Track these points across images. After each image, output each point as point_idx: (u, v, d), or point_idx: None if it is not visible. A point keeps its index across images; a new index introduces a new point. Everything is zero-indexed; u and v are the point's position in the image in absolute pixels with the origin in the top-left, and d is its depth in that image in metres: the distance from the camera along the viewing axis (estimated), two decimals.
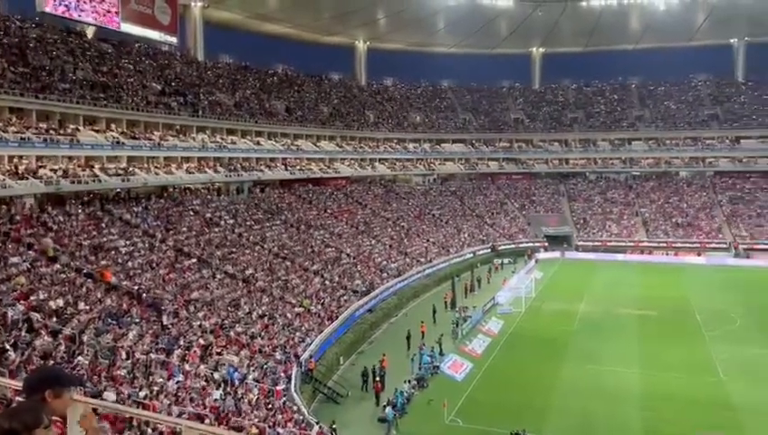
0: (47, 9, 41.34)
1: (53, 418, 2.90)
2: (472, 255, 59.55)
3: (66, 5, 42.44)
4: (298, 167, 57.33)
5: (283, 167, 55.66)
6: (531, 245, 66.38)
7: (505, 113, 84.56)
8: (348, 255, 46.66)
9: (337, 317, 35.13)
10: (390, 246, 53.12)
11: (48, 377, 3.06)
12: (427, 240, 58.53)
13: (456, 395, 27.06)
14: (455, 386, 28.52)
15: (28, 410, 2.56)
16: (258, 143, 54.03)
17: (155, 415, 8.58)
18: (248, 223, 43.99)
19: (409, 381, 28.01)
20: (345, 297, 38.84)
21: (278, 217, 47.85)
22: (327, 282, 40.08)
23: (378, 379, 27.96)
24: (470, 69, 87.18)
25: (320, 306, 35.74)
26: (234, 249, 38.11)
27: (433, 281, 50.40)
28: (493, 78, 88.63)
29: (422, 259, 53.35)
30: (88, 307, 23.44)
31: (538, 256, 63.16)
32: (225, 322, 28.28)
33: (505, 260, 61.03)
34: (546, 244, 67.43)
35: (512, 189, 77.86)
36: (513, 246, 65.51)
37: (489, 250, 62.90)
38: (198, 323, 26.76)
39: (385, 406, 25.05)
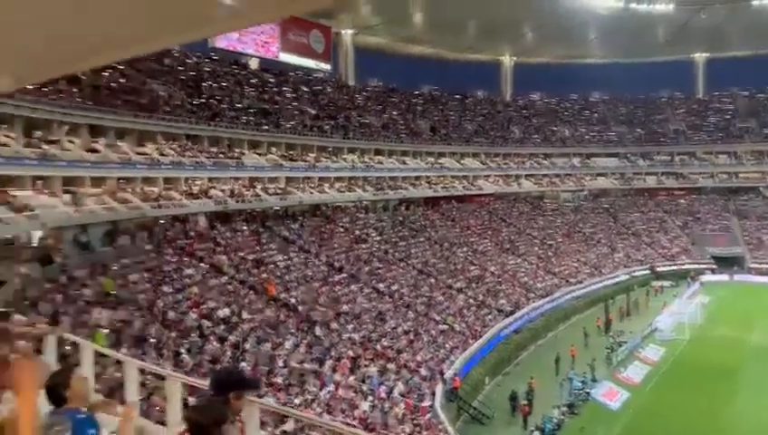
0: (218, 45, 45.87)
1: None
2: (627, 276, 55.88)
3: (232, 40, 46.74)
4: (441, 184, 57.81)
5: (427, 185, 56.45)
6: (695, 266, 60.88)
7: (664, 124, 78.89)
8: (492, 273, 46.03)
9: (481, 336, 34.72)
10: (537, 265, 51.57)
11: (235, 380, 3.42)
12: (578, 260, 56.01)
13: (612, 425, 25.48)
14: (609, 415, 26.87)
15: (217, 408, 2.88)
16: (404, 162, 55.38)
17: (319, 419, 9.04)
18: (394, 240, 45.08)
19: (559, 407, 26.87)
20: (489, 316, 38.30)
21: (422, 235, 48.51)
22: (471, 300, 39.81)
23: (526, 401, 27.15)
24: (623, 79, 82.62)
25: (464, 324, 35.57)
26: (380, 265, 39.23)
27: (584, 303, 48.01)
28: (649, 88, 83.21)
29: (572, 280, 51.13)
30: (250, 316, 25.34)
31: (703, 278, 57.79)
32: (372, 335, 29.12)
33: (666, 283, 56.43)
34: (714, 266, 61.48)
35: (672, 206, 72.16)
36: (674, 267, 60.53)
37: (647, 272, 58.67)
38: (348, 335, 27.82)
39: (533, 431, 24.24)
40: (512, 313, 39.86)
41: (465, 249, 48.68)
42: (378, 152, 53.59)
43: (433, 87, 73.37)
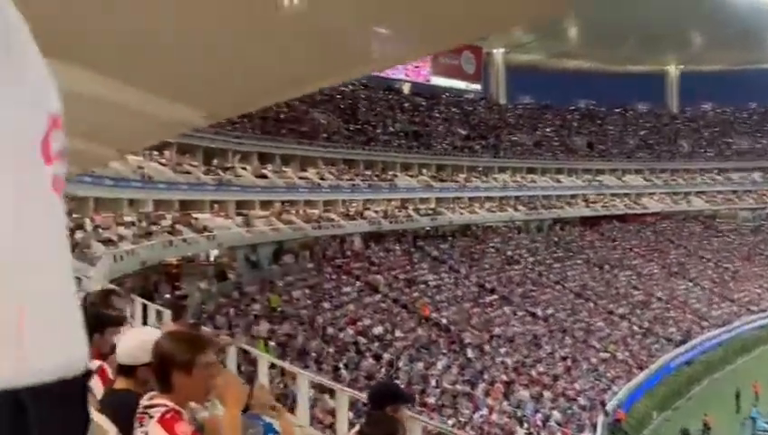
0: (372, 72, 47.89)
1: None
2: None
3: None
4: (600, 203, 54.86)
5: (583, 203, 53.93)
6: None
7: None
8: (659, 298, 42.59)
9: (647, 366, 32.17)
10: (712, 290, 46.84)
11: (391, 393, 3.49)
12: (761, 285, 50.03)
13: None
14: None
15: (387, 422, 2.96)
16: (558, 181, 53.46)
17: None
18: (548, 261, 43.50)
19: None
20: (656, 345, 35.40)
21: (579, 256, 46.30)
22: (635, 327, 37.10)
23: None
24: None
25: (627, 353, 33.21)
26: (534, 287, 38.03)
27: None
28: None
29: (753, 307, 45.74)
30: (403, 335, 25.77)
31: None
32: (527, 360, 28.21)
33: None
34: None
35: None
36: None
37: None
38: (500, 359, 27.22)
39: None
40: (682, 342, 36.51)
41: (627, 272, 45.62)
42: (530, 171, 52.29)
43: (589, 102, 70.30)
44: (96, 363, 2.86)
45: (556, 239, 48.57)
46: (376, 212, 38.30)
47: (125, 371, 2.60)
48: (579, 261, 45.31)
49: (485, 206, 46.42)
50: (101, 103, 4.28)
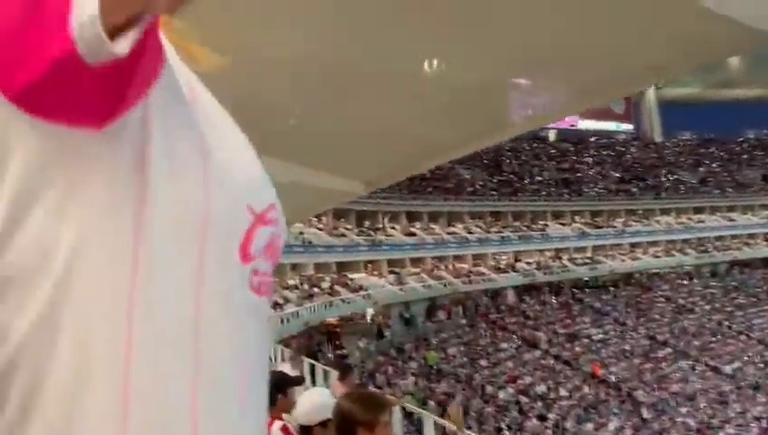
0: None
1: None
2: None
3: None
4: None
5: (764, 243, 48.23)
6: None
7: None
8: None
9: None
10: None
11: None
12: None
13: None
14: None
15: None
16: (730, 219, 48.52)
17: None
18: (728, 309, 39.14)
19: None
20: None
21: (766, 302, 41.15)
22: None
23: None
24: None
25: None
26: (713, 338, 34.29)
27: None
28: None
29: None
30: (568, 393, 24.31)
31: None
32: (713, 421, 25.22)
33: None
34: None
35: None
36: None
37: None
38: (681, 419, 24.61)
39: None
40: None
41: None
42: (697, 211, 48.06)
43: (760, 131, 63.83)
44: (279, 424, 3.03)
45: (735, 284, 43.70)
46: (528, 264, 37.21)
47: (304, 431, 2.76)
48: (766, 307, 40.26)
49: (649, 251, 43.23)
50: (274, 181, 4.64)
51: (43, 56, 0.39)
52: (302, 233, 27.46)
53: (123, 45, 0.39)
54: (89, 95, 0.42)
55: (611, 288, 39.43)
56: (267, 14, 2.47)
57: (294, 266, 27.27)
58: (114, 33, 0.38)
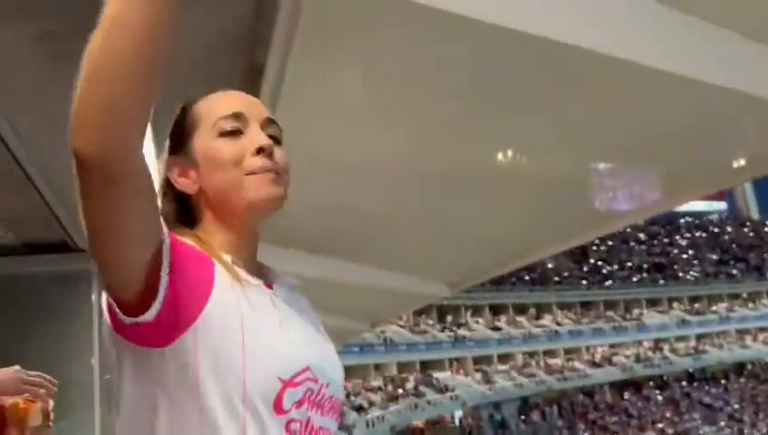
0: None
1: None
2: None
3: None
4: None
5: None
6: None
7: None
8: None
9: None
10: None
11: None
12: None
13: None
14: None
15: None
16: None
17: None
18: None
19: None
20: None
21: None
22: None
23: None
24: None
25: None
26: None
27: None
28: None
29: None
30: None
31: None
32: None
33: None
34: None
35: None
36: None
37: None
38: None
39: None
40: None
41: None
42: None
43: None
44: None
45: None
46: (626, 357, 34.81)
47: None
48: None
49: (759, 338, 39.58)
50: (358, 287, 4.56)
51: (135, 329, 0.70)
52: (383, 332, 27.07)
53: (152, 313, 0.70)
54: (157, 333, 0.71)
55: (722, 380, 36.01)
56: (353, 120, 2.43)
57: (377, 367, 26.70)
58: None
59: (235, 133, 0.81)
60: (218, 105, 0.83)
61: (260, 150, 0.79)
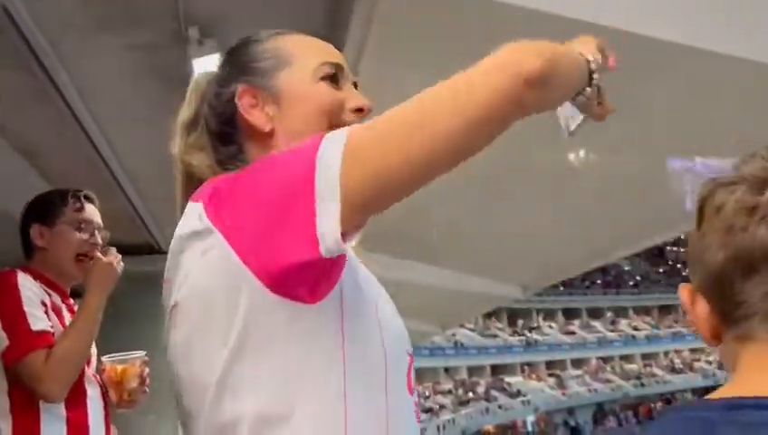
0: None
1: None
2: None
3: None
4: None
5: None
6: None
7: None
8: None
9: None
10: None
11: None
12: None
13: None
14: None
15: None
16: None
17: None
18: None
19: None
20: None
21: None
22: None
23: None
24: None
25: None
26: None
27: None
28: None
29: None
30: None
31: None
32: None
33: None
34: None
35: None
36: None
37: None
38: None
39: None
40: None
41: None
42: None
43: None
44: None
45: None
46: (709, 363, 33.10)
47: None
48: None
49: None
50: (428, 288, 4.56)
51: (294, 259, 0.61)
52: (453, 335, 26.88)
53: (350, 244, 0.62)
54: (312, 282, 0.64)
55: None
56: None
57: (447, 370, 26.54)
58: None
59: (335, 82, 0.76)
60: (320, 49, 0.78)
61: (360, 110, 0.75)
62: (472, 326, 29.50)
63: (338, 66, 0.77)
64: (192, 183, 0.76)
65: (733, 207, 0.49)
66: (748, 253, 0.47)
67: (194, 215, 0.67)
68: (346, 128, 0.64)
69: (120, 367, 1.43)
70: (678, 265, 40.10)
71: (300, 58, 0.76)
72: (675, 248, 42.30)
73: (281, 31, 0.80)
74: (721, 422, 0.44)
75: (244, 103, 0.75)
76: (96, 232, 1.49)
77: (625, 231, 3.66)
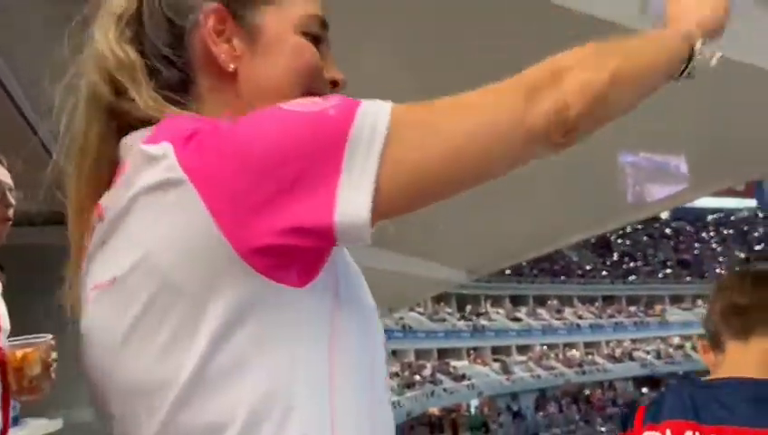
0: None
1: None
2: None
3: None
4: None
5: None
6: None
7: None
8: None
9: None
10: None
11: None
12: None
13: None
14: None
15: None
16: None
17: None
18: None
19: None
20: None
21: None
22: None
23: None
24: None
25: None
26: None
27: None
28: None
29: None
30: None
31: None
32: None
33: None
34: None
35: None
36: None
37: None
38: None
39: None
40: None
41: None
42: None
43: None
44: None
45: None
46: (647, 353, 34.39)
47: None
48: None
49: None
50: (375, 271, 4.52)
51: (298, 239, 0.50)
52: (402, 318, 27.08)
53: (370, 235, 0.53)
54: (303, 263, 0.54)
55: None
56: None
57: (395, 353, 26.75)
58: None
59: (317, 42, 0.63)
60: None
61: (336, 84, 0.64)
62: (421, 310, 29.78)
63: (324, 24, 0.64)
64: (111, 118, 0.59)
65: None
66: None
67: (150, 159, 0.52)
68: (387, 102, 0.54)
69: (19, 352, 1.32)
70: (625, 258, 41.41)
71: (286, 0, 0.63)
72: (621, 241, 43.60)
73: None
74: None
75: (210, 26, 0.60)
76: (7, 193, 1.40)
77: (569, 220, 3.69)
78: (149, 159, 0.53)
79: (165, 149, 0.52)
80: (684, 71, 0.66)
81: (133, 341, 0.54)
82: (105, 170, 0.60)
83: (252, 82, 0.61)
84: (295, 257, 0.52)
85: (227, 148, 0.51)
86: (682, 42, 0.66)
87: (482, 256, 4.57)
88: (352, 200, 0.50)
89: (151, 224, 0.52)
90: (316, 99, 0.55)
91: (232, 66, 0.60)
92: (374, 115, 0.52)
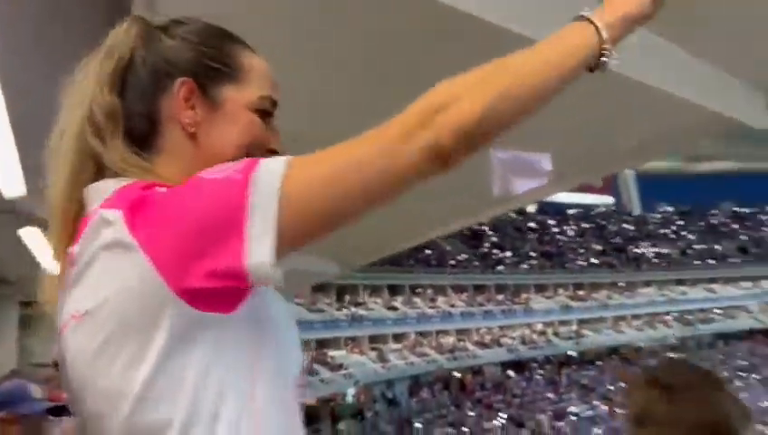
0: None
1: None
2: None
3: None
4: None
5: (746, 314, 48.19)
6: None
7: None
8: None
9: None
10: None
11: None
12: None
13: None
14: None
15: None
16: (712, 290, 48.60)
17: None
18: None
19: None
20: None
21: (753, 374, 40.54)
22: None
23: None
24: None
25: None
26: None
27: None
28: None
29: None
30: None
31: None
32: None
33: None
34: None
35: None
36: None
37: None
38: None
39: None
40: None
41: None
42: (679, 283, 48.13)
43: (736, 203, 65.15)
44: None
45: (722, 356, 43.18)
46: (513, 339, 36.47)
47: None
48: (757, 377, 39.62)
49: (633, 324, 42.80)
50: None
51: (219, 282, 0.65)
52: None
53: (281, 274, 0.66)
54: (229, 295, 0.68)
55: (597, 363, 38.65)
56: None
57: None
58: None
59: (267, 116, 0.78)
60: (270, 81, 0.79)
61: (274, 153, 0.76)
62: (300, 301, 29.48)
63: (275, 103, 0.79)
64: (87, 166, 0.72)
65: None
66: None
67: (107, 224, 0.67)
68: (282, 158, 0.67)
69: None
70: (494, 249, 43.52)
71: (251, 82, 0.77)
72: (490, 232, 45.77)
73: (246, 44, 0.79)
74: None
75: (181, 94, 0.74)
76: None
77: (438, 212, 3.71)
78: (106, 222, 0.67)
79: (116, 216, 0.66)
80: (595, 68, 0.75)
81: (101, 359, 0.68)
82: (75, 205, 0.75)
83: (207, 145, 0.76)
84: (220, 294, 0.66)
85: (162, 217, 0.65)
86: (596, 40, 0.73)
87: (354, 248, 4.51)
88: (256, 249, 0.63)
89: (111, 274, 0.67)
90: (229, 163, 0.67)
91: (192, 129, 0.75)
92: (270, 173, 0.64)
